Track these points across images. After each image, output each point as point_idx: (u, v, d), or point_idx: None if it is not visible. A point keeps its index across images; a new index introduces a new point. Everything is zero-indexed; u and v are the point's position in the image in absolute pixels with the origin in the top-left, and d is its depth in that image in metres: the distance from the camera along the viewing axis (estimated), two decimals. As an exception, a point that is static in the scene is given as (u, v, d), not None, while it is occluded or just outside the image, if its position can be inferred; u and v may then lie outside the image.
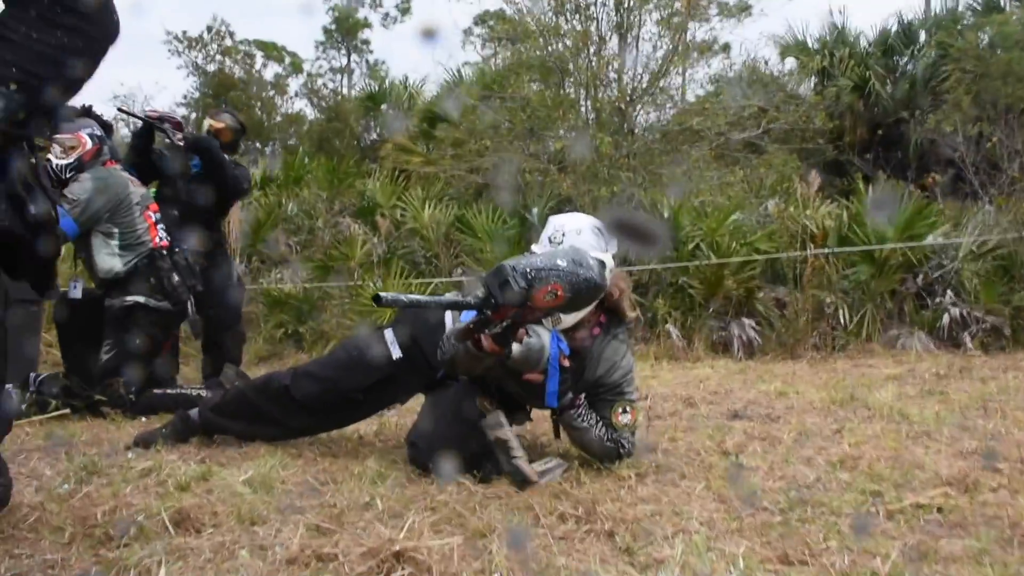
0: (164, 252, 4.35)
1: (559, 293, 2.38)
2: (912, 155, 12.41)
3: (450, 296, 2.84)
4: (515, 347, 2.59)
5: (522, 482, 2.51)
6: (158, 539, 2.12)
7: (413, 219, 9.32)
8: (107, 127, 4.52)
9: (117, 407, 4.14)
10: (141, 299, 4.23)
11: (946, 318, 7.03)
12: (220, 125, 5.21)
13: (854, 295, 7.34)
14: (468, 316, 2.65)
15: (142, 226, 4.32)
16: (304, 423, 3.27)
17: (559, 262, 2.40)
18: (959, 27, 13.25)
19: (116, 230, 4.25)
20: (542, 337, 2.69)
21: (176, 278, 4.31)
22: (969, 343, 6.84)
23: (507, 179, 10.03)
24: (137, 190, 4.39)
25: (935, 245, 7.56)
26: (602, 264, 2.65)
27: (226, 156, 5.09)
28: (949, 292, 7.24)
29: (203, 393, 4.32)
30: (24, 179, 1.92)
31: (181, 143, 4.93)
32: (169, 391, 4.39)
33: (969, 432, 3.46)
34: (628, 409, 2.89)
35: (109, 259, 4.24)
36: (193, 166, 5.05)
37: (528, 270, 2.36)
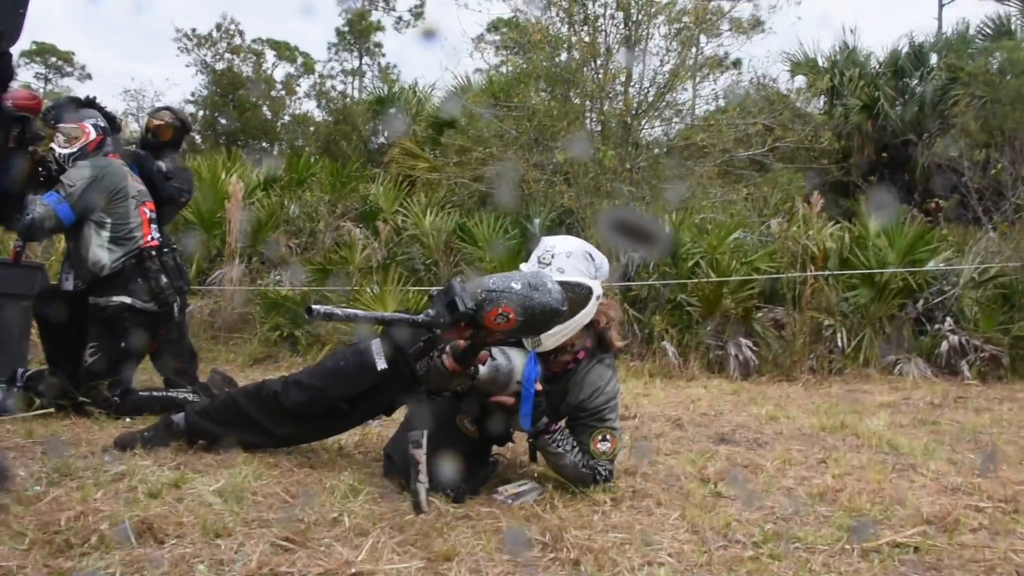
0: (153, 252, 4.31)
1: (511, 316, 2.36)
2: (918, 178, 12.36)
3: (394, 313, 2.79)
4: (482, 368, 2.56)
5: (415, 506, 2.42)
6: (119, 549, 2.09)
7: (414, 225, 9.30)
8: (112, 120, 4.50)
9: (101, 408, 4.11)
10: (128, 300, 4.19)
11: (944, 345, 6.98)
12: (159, 122, 5.02)
13: (853, 318, 7.30)
14: None
15: (135, 220, 4.28)
16: (291, 431, 3.24)
17: (513, 284, 2.38)
18: (970, 51, 13.20)
19: (109, 220, 4.20)
20: (513, 360, 2.66)
21: (164, 279, 4.28)
22: (967, 372, 6.79)
23: (510, 188, 10.01)
24: (135, 184, 4.36)
25: (936, 271, 7.51)
26: (562, 287, 2.56)
27: (160, 165, 4.80)
28: (949, 319, 7.19)
29: (189, 396, 4.28)
30: None
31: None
32: (155, 393, 4.36)
33: (956, 467, 3.41)
34: (608, 437, 2.85)
35: (98, 251, 4.19)
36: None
37: (478, 291, 2.35)
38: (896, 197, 10.65)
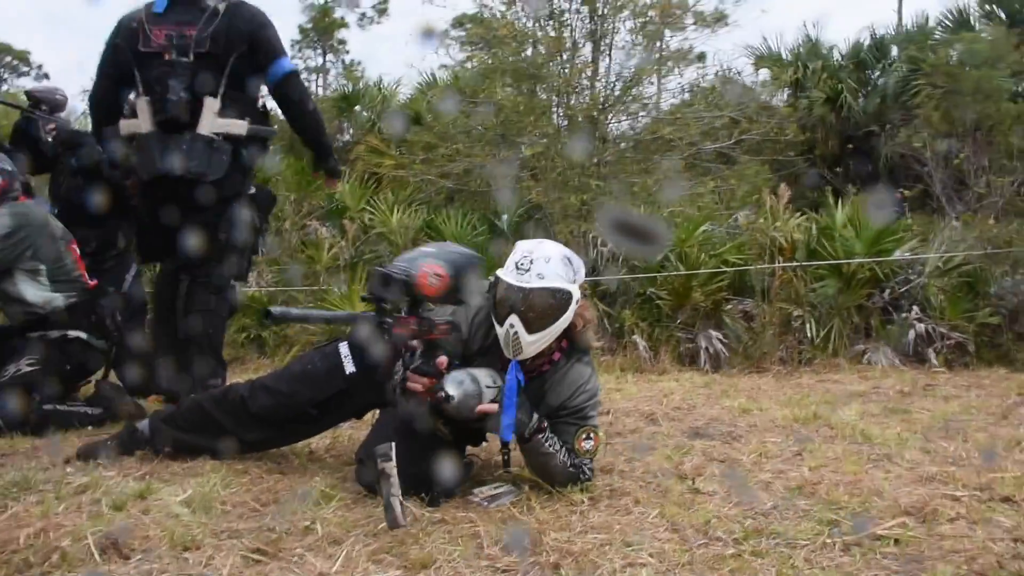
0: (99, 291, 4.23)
1: (441, 273, 2.50)
2: (882, 169, 12.49)
3: (344, 311, 2.87)
4: (451, 390, 2.50)
5: (391, 521, 2.28)
6: (81, 566, 2.01)
7: (381, 223, 9.21)
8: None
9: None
10: (83, 335, 4.09)
11: (912, 334, 7.03)
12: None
13: (821, 309, 7.33)
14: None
15: (70, 259, 4.12)
16: (259, 437, 3.16)
17: (424, 249, 2.57)
18: (930, 42, 13.36)
19: (42, 266, 3.99)
20: (479, 379, 2.61)
21: (119, 318, 4.19)
22: (934, 359, 6.85)
23: (478, 184, 9.98)
24: (57, 224, 4.16)
25: (902, 260, 7.57)
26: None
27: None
28: (915, 307, 7.24)
29: (89, 411, 4.05)
30: None
31: (51, 137, 4.59)
32: (59, 408, 4.00)
33: (930, 456, 3.42)
34: (592, 435, 2.82)
35: (43, 292, 3.98)
36: (73, 161, 4.62)
37: (399, 262, 2.52)
38: (860, 187, 10.77)
